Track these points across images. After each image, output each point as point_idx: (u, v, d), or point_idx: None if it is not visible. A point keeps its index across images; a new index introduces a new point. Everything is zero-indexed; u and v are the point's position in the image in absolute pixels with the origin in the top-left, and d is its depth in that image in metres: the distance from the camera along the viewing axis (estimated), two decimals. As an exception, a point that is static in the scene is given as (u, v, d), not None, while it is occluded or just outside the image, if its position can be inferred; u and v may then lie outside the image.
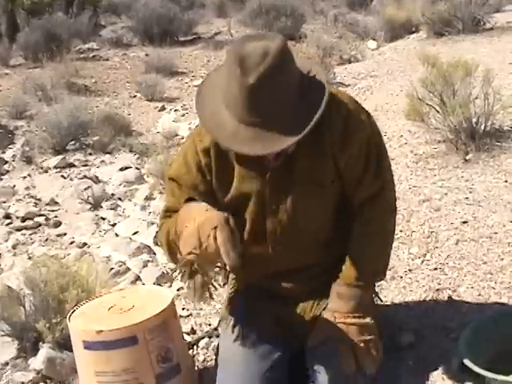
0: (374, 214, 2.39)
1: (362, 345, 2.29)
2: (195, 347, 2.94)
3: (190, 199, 2.29)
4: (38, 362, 2.91)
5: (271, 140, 2.06)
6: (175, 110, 8.95)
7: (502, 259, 3.24)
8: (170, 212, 2.40)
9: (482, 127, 4.81)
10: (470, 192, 4.11)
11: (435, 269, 3.27)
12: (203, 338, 3.00)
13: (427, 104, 5.01)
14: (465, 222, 3.68)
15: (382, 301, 2.71)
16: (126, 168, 6.24)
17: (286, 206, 2.32)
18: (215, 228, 2.05)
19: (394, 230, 2.52)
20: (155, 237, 2.56)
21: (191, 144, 2.38)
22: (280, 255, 2.40)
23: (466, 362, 2.30)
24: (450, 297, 2.97)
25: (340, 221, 2.42)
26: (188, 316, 3.26)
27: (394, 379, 2.43)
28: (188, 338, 2.95)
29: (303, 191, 2.31)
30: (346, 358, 2.27)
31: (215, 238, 2.04)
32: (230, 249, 2.02)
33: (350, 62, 10.31)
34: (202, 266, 2.13)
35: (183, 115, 8.55)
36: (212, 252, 2.05)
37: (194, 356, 2.85)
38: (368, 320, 2.33)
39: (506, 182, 4.19)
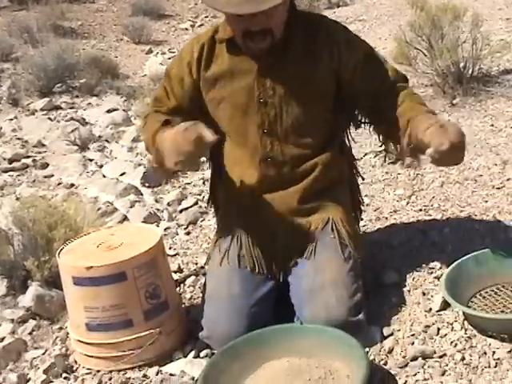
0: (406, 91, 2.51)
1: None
2: (182, 285, 2.98)
3: (167, 121, 2.44)
4: (27, 299, 2.92)
5: (260, 1, 2.21)
6: (162, 53, 8.89)
7: (486, 201, 3.28)
8: (157, 102, 2.60)
9: (470, 71, 4.82)
10: (456, 135, 4.13)
11: (420, 210, 3.31)
12: (190, 276, 3.03)
13: (415, 48, 5.01)
14: (450, 165, 3.72)
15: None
16: (113, 110, 6.19)
17: (274, 101, 2.45)
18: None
19: None
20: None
21: (189, 45, 2.58)
22: (268, 156, 2.50)
23: (448, 299, 2.35)
24: (433, 238, 3.00)
25: (326, 139, 2.55)
26: (175, 255, 3.30)
27: (378, 316, 2.47)
28: (175, 277, 2.99)
29: (290, 90, 2.44)
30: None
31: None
32: (202, 129, 2.15)
33: (338, 6, 10.26)
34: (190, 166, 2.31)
35: (170, 58, 8.48)
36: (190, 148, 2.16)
37: (180, 294, 2.89)
38: None
39: (492, 126, 4.22)
